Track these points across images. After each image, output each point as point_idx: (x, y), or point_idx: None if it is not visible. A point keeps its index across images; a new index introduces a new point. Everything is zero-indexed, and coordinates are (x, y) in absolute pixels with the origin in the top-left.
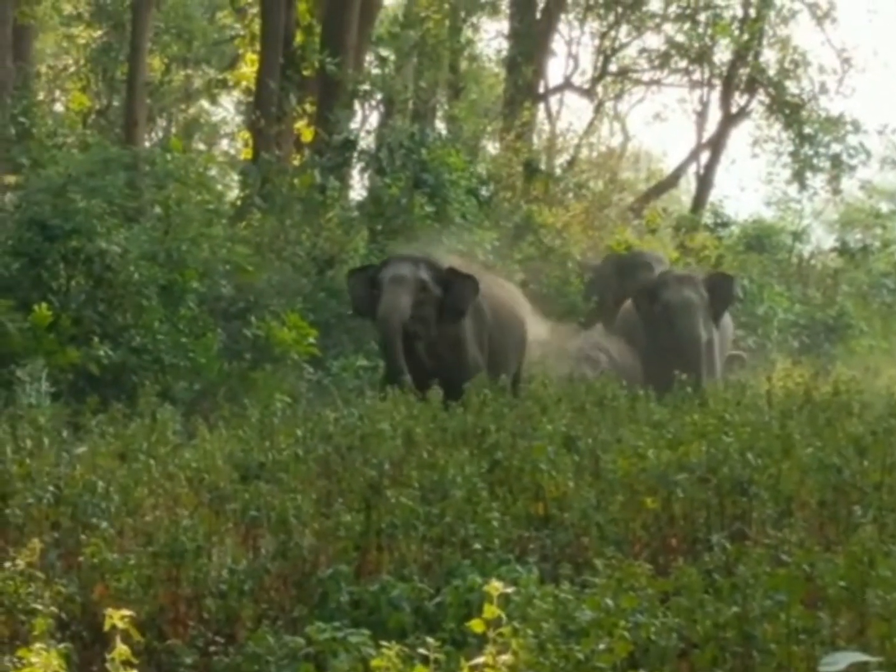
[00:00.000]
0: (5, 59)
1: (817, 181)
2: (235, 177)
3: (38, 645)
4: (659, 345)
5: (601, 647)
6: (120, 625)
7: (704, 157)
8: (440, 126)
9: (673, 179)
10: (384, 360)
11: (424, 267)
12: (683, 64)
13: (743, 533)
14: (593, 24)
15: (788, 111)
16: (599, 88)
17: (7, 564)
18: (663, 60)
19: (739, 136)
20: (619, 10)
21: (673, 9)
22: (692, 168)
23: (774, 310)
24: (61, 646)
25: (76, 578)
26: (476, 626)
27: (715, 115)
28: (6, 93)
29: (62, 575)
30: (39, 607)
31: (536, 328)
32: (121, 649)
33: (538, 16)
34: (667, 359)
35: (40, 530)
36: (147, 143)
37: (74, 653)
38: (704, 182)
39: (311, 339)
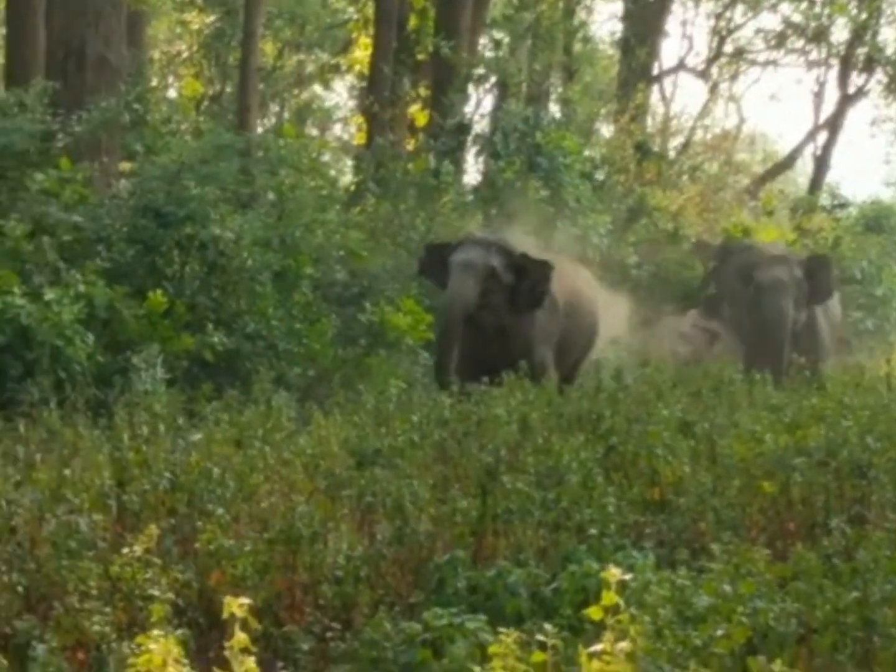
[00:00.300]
0: (119, 45)
1: None
2: (349, 162)
3: (155, 631)
4: (752, 326)
5: (719, 632)
6: (238, 612)
7: (821, 137)
8: (554, 109)
9: (789, 161)
10: (436, 353)
11: (496, 252)
12: (800, 44)
13: (862, 517)
14: (708, 5)
15: None
16: (714, 69)
17: (124, 551)
18: (779, 40)
19: (857, 116)
20: None
21: None
22: (809, 149)
23: (893, 291)
24: (178, 632)
25: (193, 565)
26: (594, 612)
27: (832, 96)
28: (120, 80)
29: (179, 561)
30: (156, 593)
31: (613, 313)
32: (239, 637)
33: None
34: (758, 340)
35: (157, 517)
36: (260, 129)
37: (191, 639)
38: (821, 163)
39: (426, 325)
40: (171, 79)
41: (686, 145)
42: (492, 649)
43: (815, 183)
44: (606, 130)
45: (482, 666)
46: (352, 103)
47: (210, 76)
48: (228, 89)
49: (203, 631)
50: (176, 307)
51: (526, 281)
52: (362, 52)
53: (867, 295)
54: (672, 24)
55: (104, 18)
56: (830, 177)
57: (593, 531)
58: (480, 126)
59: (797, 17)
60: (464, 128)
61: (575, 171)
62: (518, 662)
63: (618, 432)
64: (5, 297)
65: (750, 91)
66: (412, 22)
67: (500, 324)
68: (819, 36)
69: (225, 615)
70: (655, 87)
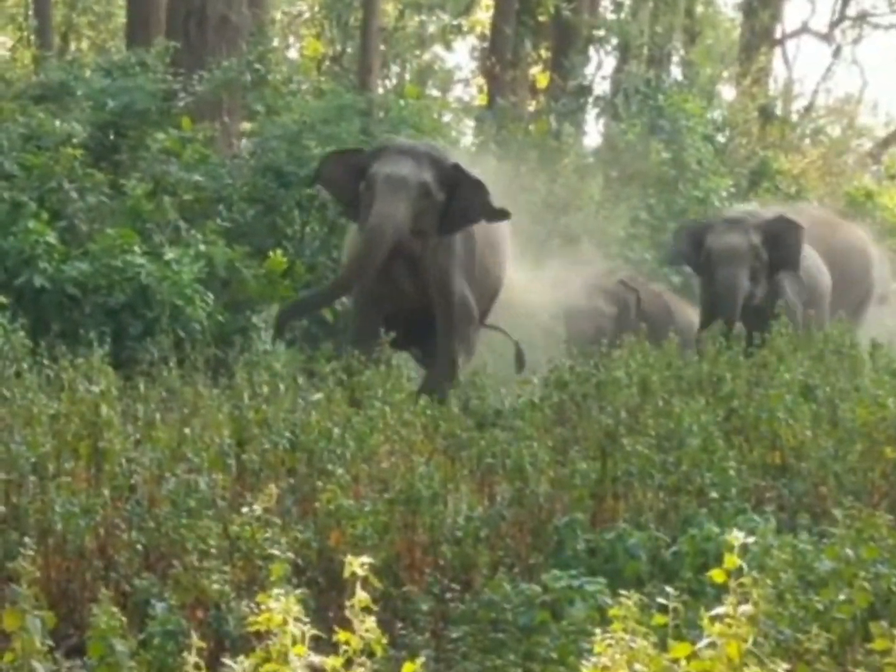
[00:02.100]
0: (240, 5)
1: None
2: (470, 123)
3: (275, 590)
4: (703, 298)
5: (841, 597)
6: (359, 572)
7: None
8: (676, 71)
9: None
10: (354, 300)
11: (428, 163)
12: None
13: None
14: None
15: None
16: (837, 33)
17: (244, 510)
18: None
19: None
20: None
21: None
22: None
23: None
24: (298, 591)
25: (312, 524)
26: (717, 575)
27: None
28: (241, 39)
29: (298, 521)
30: (276, 553)
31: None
32: (360, 596)
33: None
34: (707, 313)
35: (277, 476)
36: (381, 90)
37: (311, 598)
38: None
39: None
40: (292, 39)
41: (808, 108)
42: (612, 612)
43: None
44: (728, 93)
45: (601, 628)
46: (473, 65)
47: (331, 36)
48: (350, 50)
49: (322, 590)
50: (296, 267)
51: (459, 199)
52: (484, 13)
53: None
54: None
55: None
56: None
57: (714, 495)
58: (601, 88)
59: None
60: (585, 89)
61: (697, 133)
62: (638, 625)
63: (739, 395)
64: (126, 256)
65: (873, 54)
66: None
67: (415, 253)
68: None
69: (346, 574)
70: (778, 50)
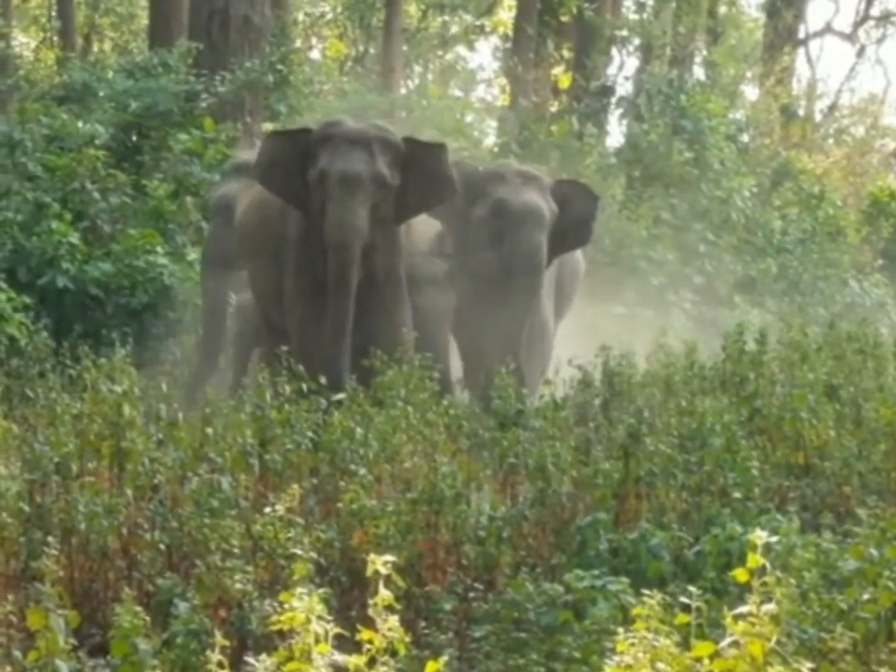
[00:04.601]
0: (263, 6)
1: None
2: (492, 123)
3: (298, 589)
4: (480, 267)
5: (865, 597)
6: (382, 570)
7: None
8: (698, 72)
9: None
10: (332, 328)
11: (380, 149)
12: None
13: None
14: None
15: None
16: (861, 33)
17: (267, 510)
18: None
19: None
20: None
21: None
22: None
23: None
24: (321, 590)
25: (335, 524)
26: (740, 575)
27: None
28: (264, 40)
29: (321, 521)
30: (299, 552)
31: None
32: (383, 595)
33: None
34: (489, 288)
35: (299, 476)
36: (403, 90)
37: (334, 597)
38: None
39: None
40: (314, 40)
41: (832, 108)
42: (635, 611)
43: None
44: (752, 93)
45: (624, 628)
46: (495, 65)
47: (354, 37)
48: (372, 50)
49: (345, 590)
50: None
51: (417, 174)
52: (506, 13)
53: None
54: None
55: None
56: None
57: (737, 495)
58: (624, 88)
59: None
60: (607, 90)
61: (720, 133)
62: (661, 624)
63: (762, 395)
64: (148, 256)
65: None
66: None
67: (373, 242)
68: None
69: (368, 573)
70: (801, 50)
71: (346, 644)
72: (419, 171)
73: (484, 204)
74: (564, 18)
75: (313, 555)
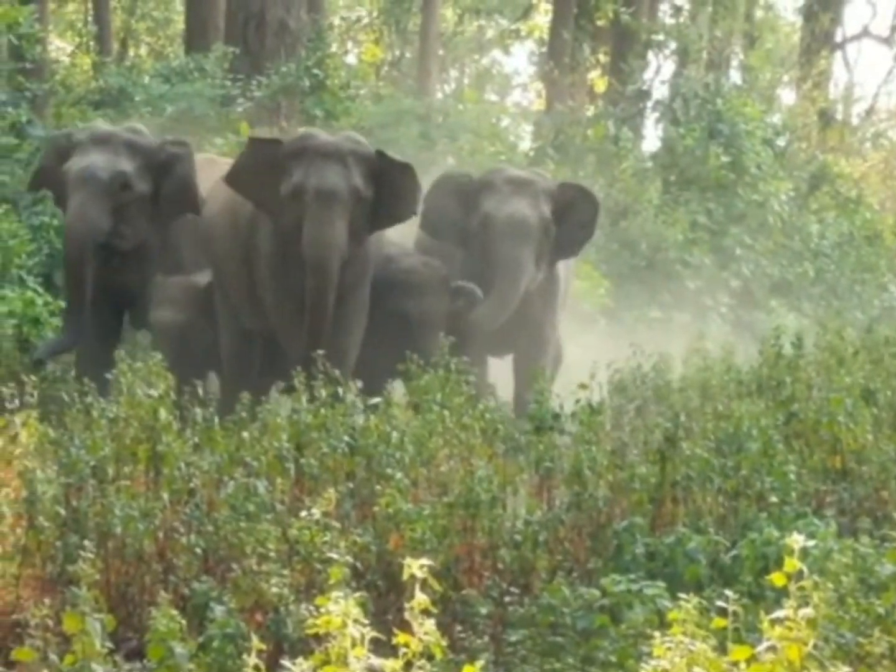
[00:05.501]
0: (299, 10)
1: None
2: (528, 128)
3: (334, 593)
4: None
5: None
6: (418, 574)
7: None
8: (735, 75)
9: None
10: (309, 328)
11: (354, 162)
12: None
13: None
14: None
15: None
16: None
17: (303, 514)
18: None
19: None
20: None
21: None
22: None
23: None
24: (357, 594)
25: (371, 528)
26: (777, 579)
27: None
28: (300, 45)
29: (357, 524)
30: (335, 556)
31: None
32: (420, 599)
33: None
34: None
35: (335, 480)
36: (440, 95)
37: (370, 601)
38: None
39: (604, 290)
40: (350, 44)
41: (869, 112)
42: (671, 615)
43: None
44: (788, 97)
45: (660, 632)
46: (531, 69)
47: (390, 41)
48: (408, 55)
49: (381, 593)
50: None
51: (387, 188)
52: (542, 17)
53: None
54: None
55: None
56: None
57: (774, 499)
58: (660, 92)
59: None
60: (643, 94)
61: (756, 137)
62: (698, 629)
63: (799, 399)
64: None
65: None
66: None
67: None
68: None
69: (405, 577)
70: (838, 54)
71: (383, 648)
72: (390, 185)
73: (476, 216)
74: (600, 22)
75: (349, 558)
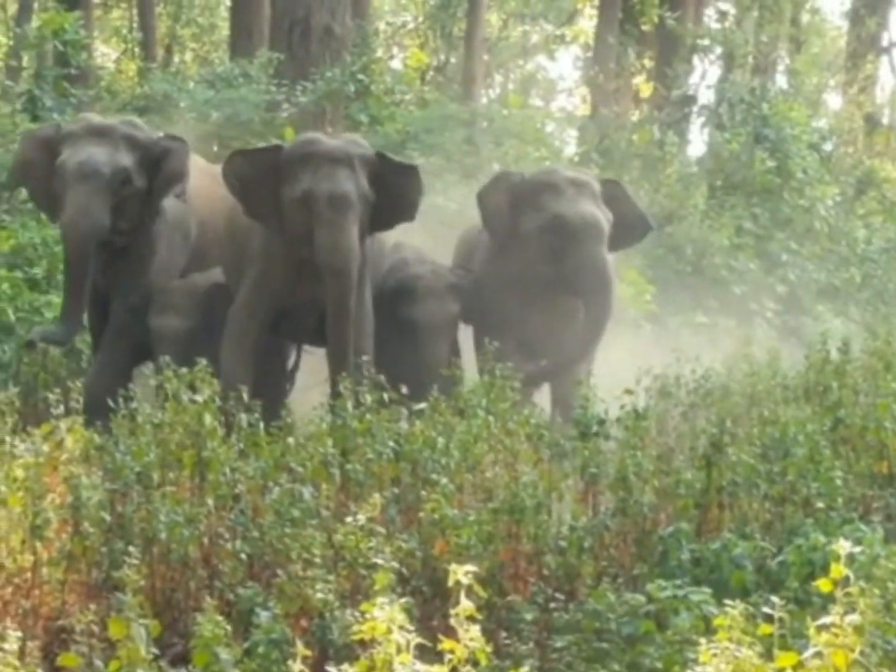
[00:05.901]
0: (344, 15)
1: None
2: (573, 133)
3: (380, 599)
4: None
5: None
6: (464, 580)
7: None
8: (781, 80)
9: None
10: (334, 340)
11: (360, 165)
12: None
13: None
14: None
15: None
16: None
17: (349, 519)
18: None
19: None
20: None
21: None
22: None
23: None
24: (403, 600)
25: (416, 534)
26: (824, 585)
27: None
28: (345, 50)
29: (402, 530)
30: (380, 562)
31: None
32: (465, 605)
33: None
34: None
35: (381, 486)
36: (484, 100)
37: (415, 607)
38: None
39: (649, 296)
40: (395, 49)
41: None
42: (717, 621)
43: None
44: (834, 102)
45: (706, 638)
46: (576, 74)
47: (435, 47)
48: (453, 60)
49: (427, 599)
50: None
51: (389, 190)
52: (587, 22)
53: None
54: None
55: None
56: None
57: (820, 505)
58: (706, 97)
59: None
60: (689, 99)
61: (802, 142)
62: (744, 635)
63: (846, 404)
64: None
65: None
66: None
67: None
68: None
69: (450, 583)
70: (885, 58)
71: (428, 654)
72: (390, 187)
73: (537, 217)
74: (646, 27)
75: (395, 564)
